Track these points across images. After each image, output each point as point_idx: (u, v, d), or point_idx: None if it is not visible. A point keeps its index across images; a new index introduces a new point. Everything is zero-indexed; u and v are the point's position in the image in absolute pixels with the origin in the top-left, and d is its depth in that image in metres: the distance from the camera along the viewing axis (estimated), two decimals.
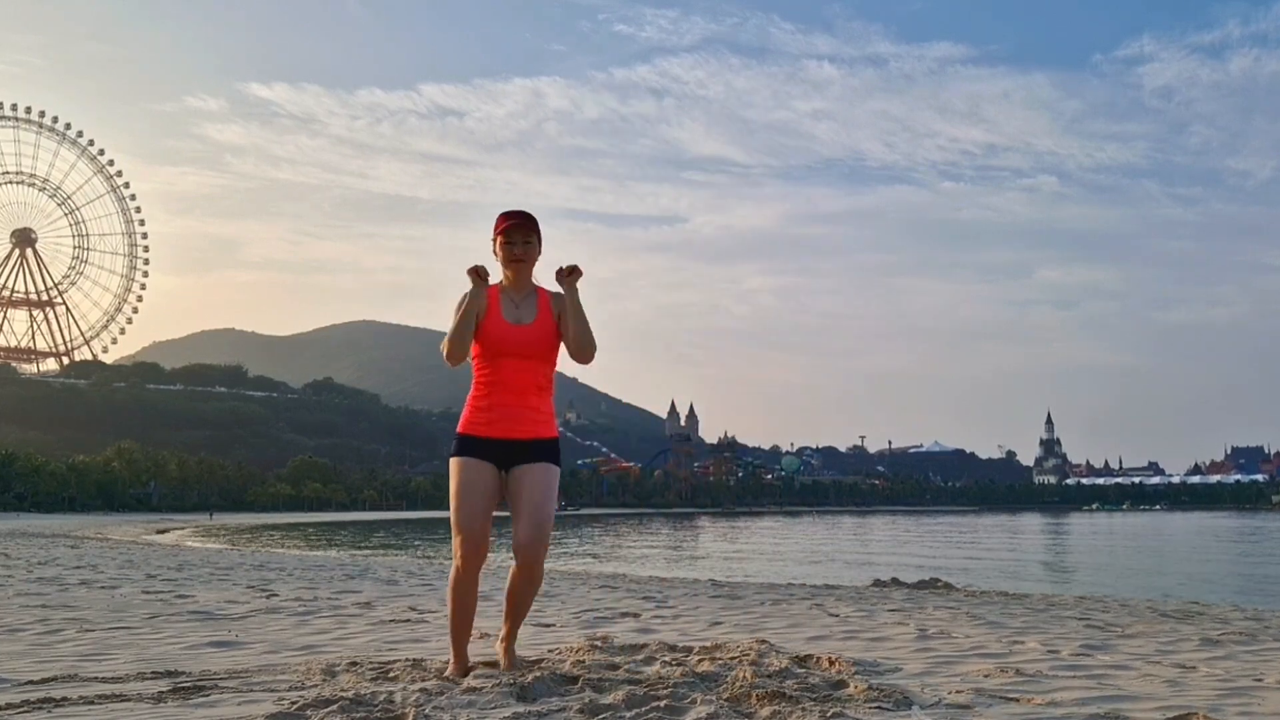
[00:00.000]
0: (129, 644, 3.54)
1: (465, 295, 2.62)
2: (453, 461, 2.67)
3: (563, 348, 2.69)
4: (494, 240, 2.67)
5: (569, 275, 2.65)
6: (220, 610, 4.84)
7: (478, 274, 2.60)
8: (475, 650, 3.33)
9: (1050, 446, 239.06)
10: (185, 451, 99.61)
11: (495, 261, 2.69)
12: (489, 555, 2.70)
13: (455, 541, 2.61)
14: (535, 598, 2.79)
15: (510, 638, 2.78)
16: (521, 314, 2.65)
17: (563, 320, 2.66)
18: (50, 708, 2.32)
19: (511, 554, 2.68)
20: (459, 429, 2.68)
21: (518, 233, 2.63)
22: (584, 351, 2.64)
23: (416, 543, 26.50)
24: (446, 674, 2.65)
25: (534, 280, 2.71)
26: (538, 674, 2.54)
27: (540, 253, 2.69)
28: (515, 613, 2.73)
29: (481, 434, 2.63)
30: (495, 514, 2.68)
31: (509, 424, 2.62)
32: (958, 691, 2.49)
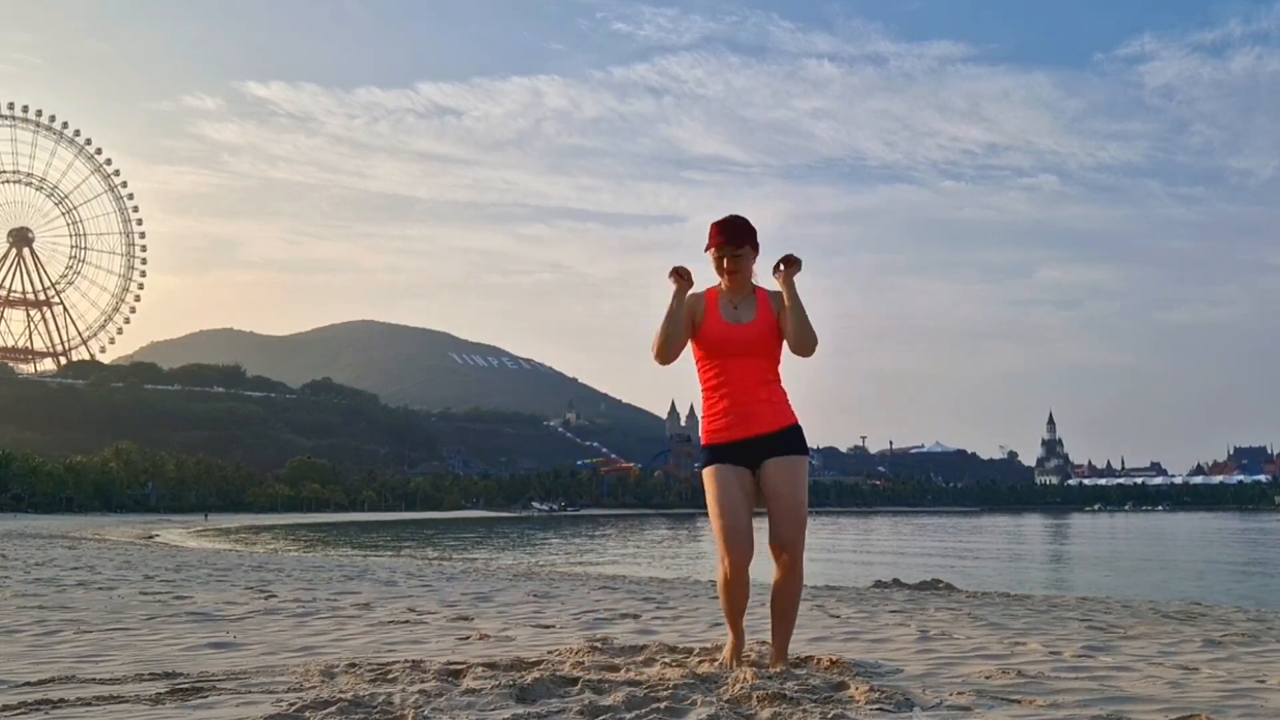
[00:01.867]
0: (127, 645, 3.53)
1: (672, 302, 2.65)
2: (706, 471, 2.70)
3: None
4: (707, 250, 2.69)
5: (787, 268, 2.67)
6: (218, 611, 4.83)
7: (679, 275, 2.63)
8: (476, 650, 3.31)
9: (1052, 447, 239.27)
10: (183, 452, 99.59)
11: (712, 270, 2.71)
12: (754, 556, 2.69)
13: (721, 548, 2.63)
14: (799, 600, 2.73)
15: (782, 651, 2.74)
16: (740, 314, 2.68)
17: (782, 316, 2.68)
18: (48, 709, 2.31)
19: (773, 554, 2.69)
20: (703, 442, 2.73)
21: (728, 247, 2.66)
22: (804, 345, 2.67)
23: (415, 543, 26.47)
24: (723, 657, 2.72)
25: (753, 280, 2.73)
26: (537, 675, 2.53)
27: (756, 255, 2.71)
28: (783, 618, 2.71)
29: (724, 440, 2.68)
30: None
31: (747, 423, 2.66)
32: (959, 693, 2.48)
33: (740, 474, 2.65)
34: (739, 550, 2.62)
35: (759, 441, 2.65)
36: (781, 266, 2.69)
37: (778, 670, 2.67)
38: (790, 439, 2.67)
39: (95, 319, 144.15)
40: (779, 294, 2.71)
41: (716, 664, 2.84)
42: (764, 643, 3.48)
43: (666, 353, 2.64)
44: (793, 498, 2.62)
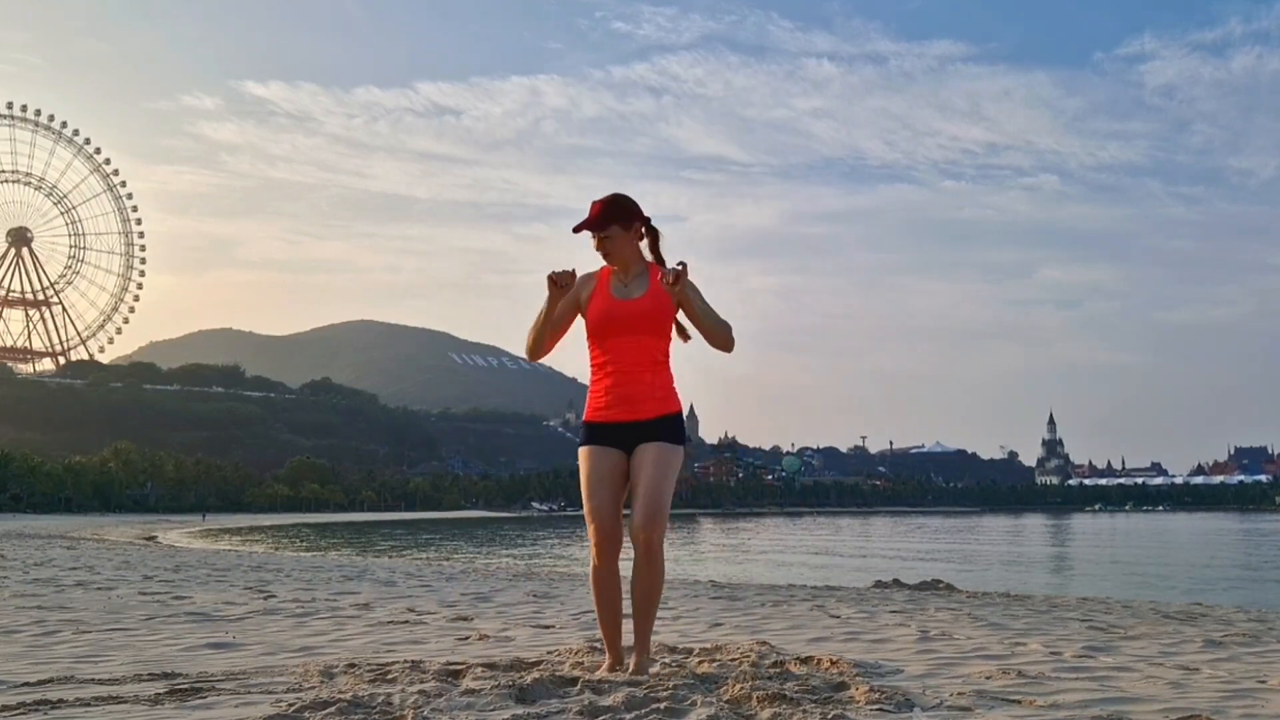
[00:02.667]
0: (126, 645, 3.52)
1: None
2: (581, 451, 2.62)
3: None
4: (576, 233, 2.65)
5: (674, 284, 2.49)
6: (218, 611, 4.82)
7: (553, 282, 2.54)
8: (475, 651, 3.31)
9: (1052, 447, 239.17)
10: (182, 452, 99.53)
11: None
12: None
13: (589, 532, 2.57)
14: (659, 592, 2.60)
15: (643, 646, 2.61)
16: (630, 289, 2.60)
17: (686, 310, 2.60)
18: (47, 710, 2.30)
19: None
20: (584, 417, 2.65)
21: (595, 228, 2.59)
22: (717, 341, 2.59)
23: (414, 544, 26.47)
24: (601, 670, 2.61)
25: (645, 257, 2.64)
26: (536, 676, 2.52)
27: (635, 229, 2.61)
28: (640, 612, 2.60)
29: (603, 419, 2.59)
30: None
31: (629, 405, 2.57)
32: (959, 693, 2.48)
33: (612, 457, 2.56)
34: (604, 534, 2.54)
35: (637, 426, 2.55)
36: (670, 280, 2.49)
37: (633, 670, 2.54)
38: (668, 427, 2.57)
39: (94, 319, 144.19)
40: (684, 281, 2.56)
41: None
42: (764, 642, 3.48)
43: (534, 351, 2.61)
44: (654, 485, 2.51)
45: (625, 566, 2.62)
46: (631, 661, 2.61)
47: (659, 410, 2.59)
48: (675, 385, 2.66)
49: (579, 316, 2.65)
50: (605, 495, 2.57)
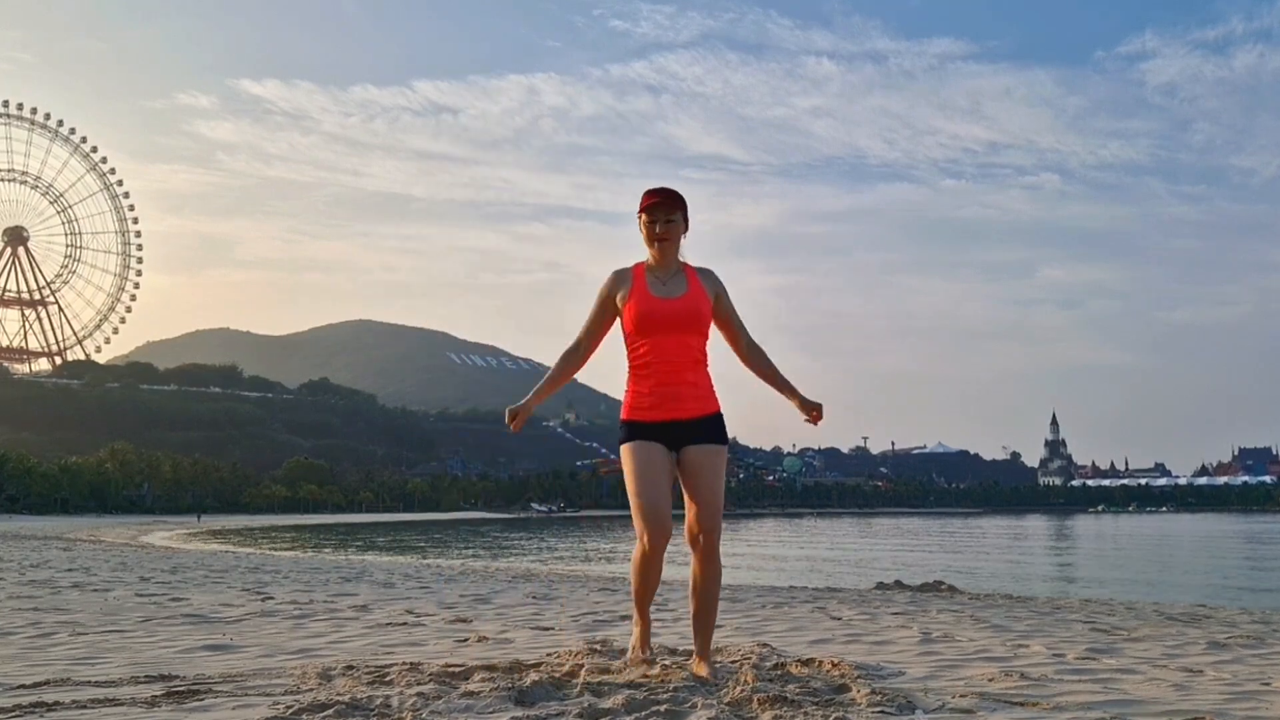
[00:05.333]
0: (122, 647, 3.50)
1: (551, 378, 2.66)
2: (624, 448, 2.62)
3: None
4: (639, 218, 2.63)
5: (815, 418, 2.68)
6: (215, 613, 4.80)
7: (518, 415, 2.62)
8: (474, 653, 3.29)
9: (1055, 447, 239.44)
10: (179, 453, 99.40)
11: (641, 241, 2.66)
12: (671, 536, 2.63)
13: (639, 524, 2.56)
14: (718, 594, 2.65)
15: (704, 652, 2.63)
16: (670, 289, 2.60)
17: (723, 314, 2.67)
18: (43, 712, 2.28)
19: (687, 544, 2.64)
20: (623, 415, 2.64)
21: (660, 210, 2.59)
22: (754, 366, 2.73)
23: (411, 544, 26.42)
24: (634, 640, 2.68)
25: (681, 258, 2.66)
26: (536, 678, 2.51)
27: (686, 230, 2.64)
28: (703, 612, 2.61)
29: (646, 418, 2.59)
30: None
31: (671, 404, 2.58)
32: (962, 696, 2.47)
33: (658, 452, 2.57)
34: (657, 526, 2.54)
35: (682, 425, 2.58)
36: (809, 416, 2.68)
37: (700, 673, 2.57)
38: (713, 427, 2.60)
39: (91, 318, 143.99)
40: (708, 272, 2.67)
41: (627, 656, 2.80)
42: (765, 644, 3.46)
43: (576, 358, 2.67)
44: (710, 486, 2.57)
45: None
46: (697, 667, 2.62)
47: (702, 409, 2.61)
48: (713, 384, 2.69)
49: (615, 320, 2.66)
50: (659, 485, 2.57)
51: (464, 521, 66.17)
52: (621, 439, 2.64)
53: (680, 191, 2.63)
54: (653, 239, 2.60)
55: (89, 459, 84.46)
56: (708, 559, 2.58)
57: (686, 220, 2.64)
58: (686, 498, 2.62)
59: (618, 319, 2.65)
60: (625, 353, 2.66)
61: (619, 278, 2.64)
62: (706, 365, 2.66)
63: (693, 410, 2.59)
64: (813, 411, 2.64)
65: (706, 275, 2.67)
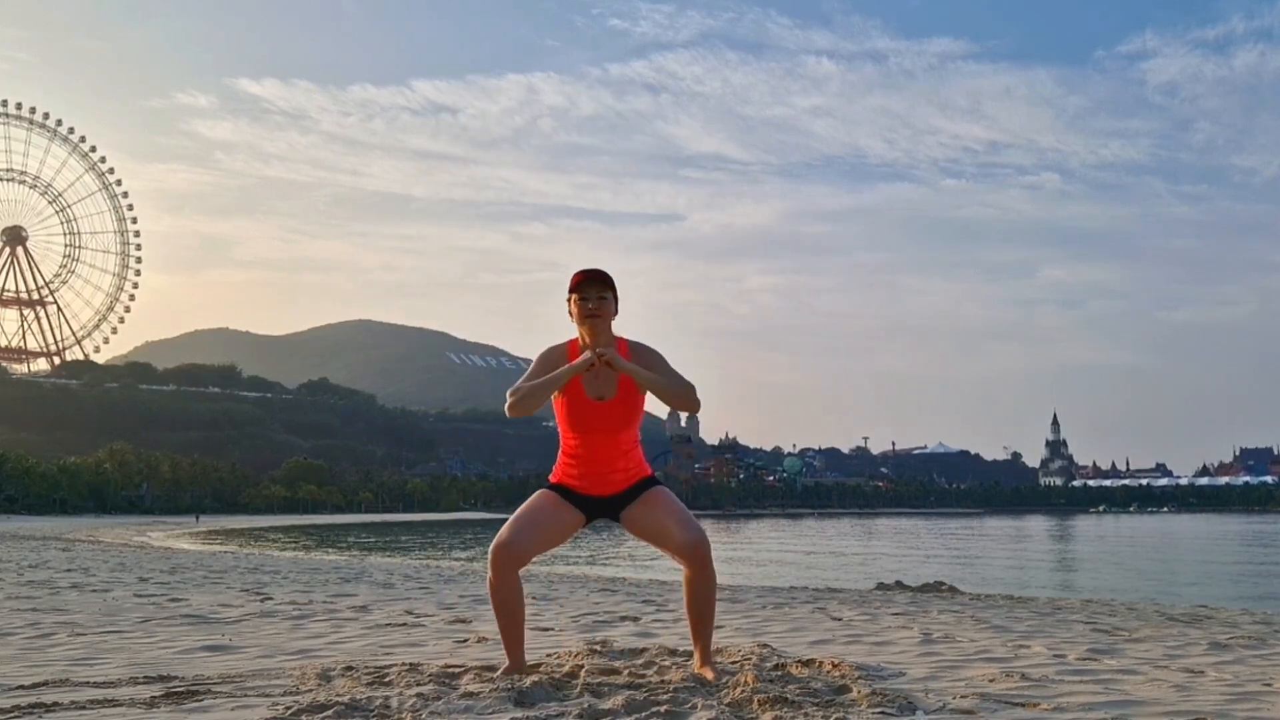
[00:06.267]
0: (121, 648, 3.49)
1: (563, 369, 2.57)
2: (539, 492, 2.68)
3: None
4: (569, 299, 2.64)
5: (609, 365, 2.54)
6: (214, 614, 4.79)
7: (600, 358, 2.53)
8: (475, 653, 3.28)
9: (1056, 448, 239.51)
10: (178, 453, 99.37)
11: (571, 321, 2.65)
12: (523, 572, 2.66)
13: (496, 544, 2.55)
14: (715, 599, 2.68)
15: (705, 655, 2.69)
16: (604, 389, 2.61)
17: (645, 386, 2.61)
18: (41, 713, 2.28)
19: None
20: (551, 479, 2.70)
21: (591, 288, 2.60)
22: (681, 408, 2.67)
23: (412, 545, 26.41)
24: (501, 672, 2.64)
25: (612, 334, 2.66)
26: (536, 678, 2.50)
27: (616, 310, 2.65)
28: (701, 624, 2.67)
29: (574, 489, 2.66)
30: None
31: (602, 485, 2.66)
32: (962, 696, 2.46)
33: (568, 512, 2.63)
34: (510, 553, 2.54)
35: (611, 499, 2.66)
36: (605, 360, 2.54)
37: (705, 675, 2.59)
38: (644, 484, 2.68)
39: (89, 318, 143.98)
40: (640, 345, 2.66)
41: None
42: (765, 645, 3.46)
43: (520, 413, 2.59)
44: (671, 510, 2.62)
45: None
46: (701, 671, 2.64)
47: (631, 482, 2.68)
48: (642, 455, 2.74)
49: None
50: (540, 523, 2.60)
51: (464, 522, 66.18)
52: (543, 485, 2.70)
53: (609, 272, 2.64)
54: (584, 316, 2.61)
55: (88, 459, 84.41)
56: (700, 570, 2.62)
57: (617, 299, 2.64)
58: (665, 534, 2.62)
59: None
60: (558, 427, 2.67)
61: (552, 355, 2.64)
62: (638, 445, 2.72)
63: (622, 486, 2.66)
64: (600, 354, 2.53)
65: (637, 350, 2.65)
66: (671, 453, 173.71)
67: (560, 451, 2.70)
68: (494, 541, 2.57)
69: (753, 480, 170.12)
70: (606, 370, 2.60)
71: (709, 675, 2.59)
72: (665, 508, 2.63)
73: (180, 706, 2.34)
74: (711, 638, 2.73)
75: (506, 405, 2.58)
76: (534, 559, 2.63)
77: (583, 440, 2.63)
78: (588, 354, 2.56)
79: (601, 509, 2.68)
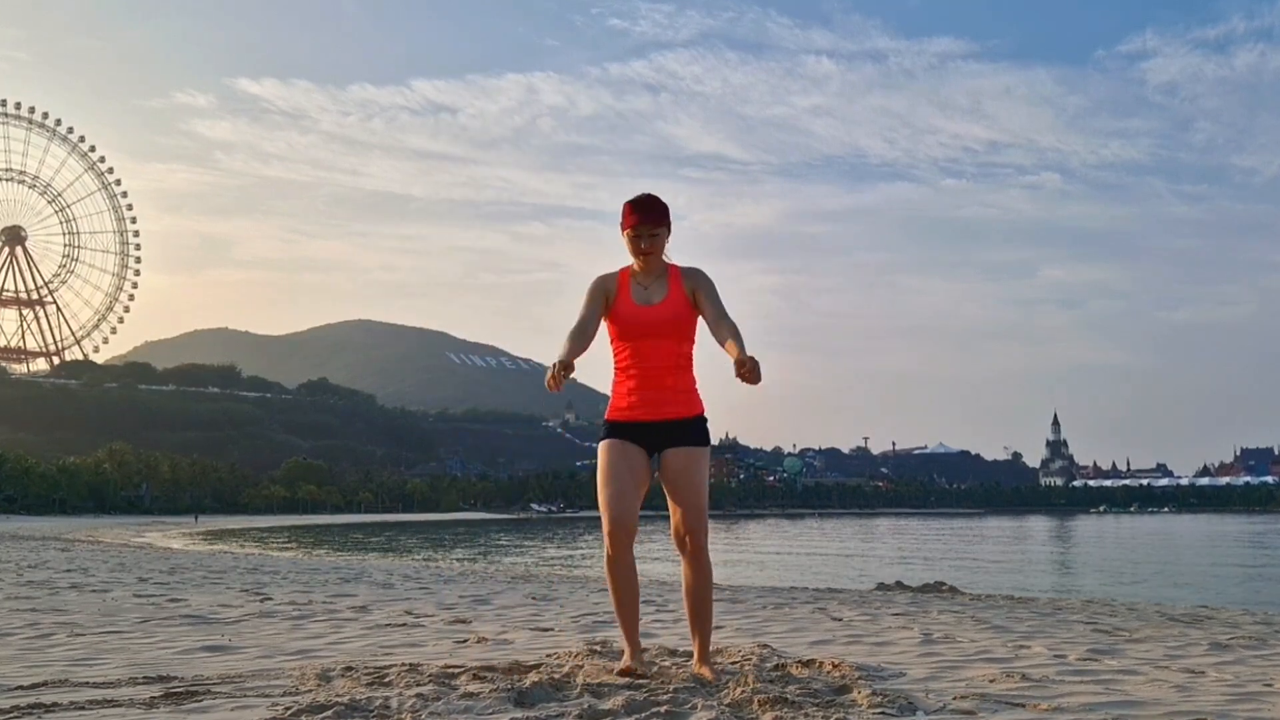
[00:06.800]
0: (120, 649, 3.49)
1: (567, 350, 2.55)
2: (601, 445, 2.65)
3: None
4: (623, 231, 2.64)
5: (752, 377, 2.44)
6: (214, 614, 4.79)
7: (562, 370, 2.47)
8: (475, 654, 3.28)
9: (1057, 448, 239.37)
10: (178, 453, 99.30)
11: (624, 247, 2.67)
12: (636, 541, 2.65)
13: (604, 524, 2.58)
14: (711, 594, 2.67)
15: (703, 653, 2.67)
16: (651, 294, 2.63)
17: (700, 304, 2.63)
18: (40, 713, 2.27)
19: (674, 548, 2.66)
20: (606, 416, 2.68)
21: (644, 226, 2.61)
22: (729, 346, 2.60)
23: (411, 545, 26.41)
24: (620, 667, 2.62)
25: (666, 259, 2.68)
26: (535, 679, 2.50)
27: (669, 238, 2.66)
28: (697, 615, 2.65)
29: (626, 418, 2.63)
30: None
31: (653, 406, 2.62)
32: (963, 697, 2.46)
33: (634, 452, 2.60)
34: (621, 533, 2.56)
35: (663, 426, 2.61)
36: (739, 372, 2.47)
37: (704, 675, 2.57)
38: (694, 429, 2.63)
39: (89, 318, 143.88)
40: (693, 270, 2.66)
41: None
42: (765, 645, 3.46)
43: (576, 353, 2.56)
44: (693, 487, 2.58)
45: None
46: (699, 670, 2.63)
47: (682, 412, 2.64)
48: (698, 388, 2.70)
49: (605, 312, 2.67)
50: (623, 484, 2.58)
51: (463, 522, 66.16)
52: (600, 436, 2.68)
53: (660, 198, 2.63)
54: (637, 253, 2.63)
55: (87, 459, 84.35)
56: (695, 560, 2.61)
57: (669, 229, 2.66)
58: (670, 501, 2.63)
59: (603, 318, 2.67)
60: (611, 353, 2.69)
61: (604, 282, 2.67)
62: (690, 369, 2.68)
63: (673, 413, 2.62)
64: (743, 368, 2.49)
65: (689, 274, 2.68)
66: None
67: (614, 376, 2.67)
68: (605, 524, 2.57)
69: (753, 480, 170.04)
70: (656, 278, 2.62)
71: (707, 675, 2.58)
72: (689, 479, 2.59)
73: (180, 707, 2.34)
74: (710, 637, 2.71)
75: (564, 349, 2.54)
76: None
77: (633, 349, 2.61)
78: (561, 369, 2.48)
79: (656, 438, 2.61)
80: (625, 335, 2.62)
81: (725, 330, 2.57)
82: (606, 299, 2.64)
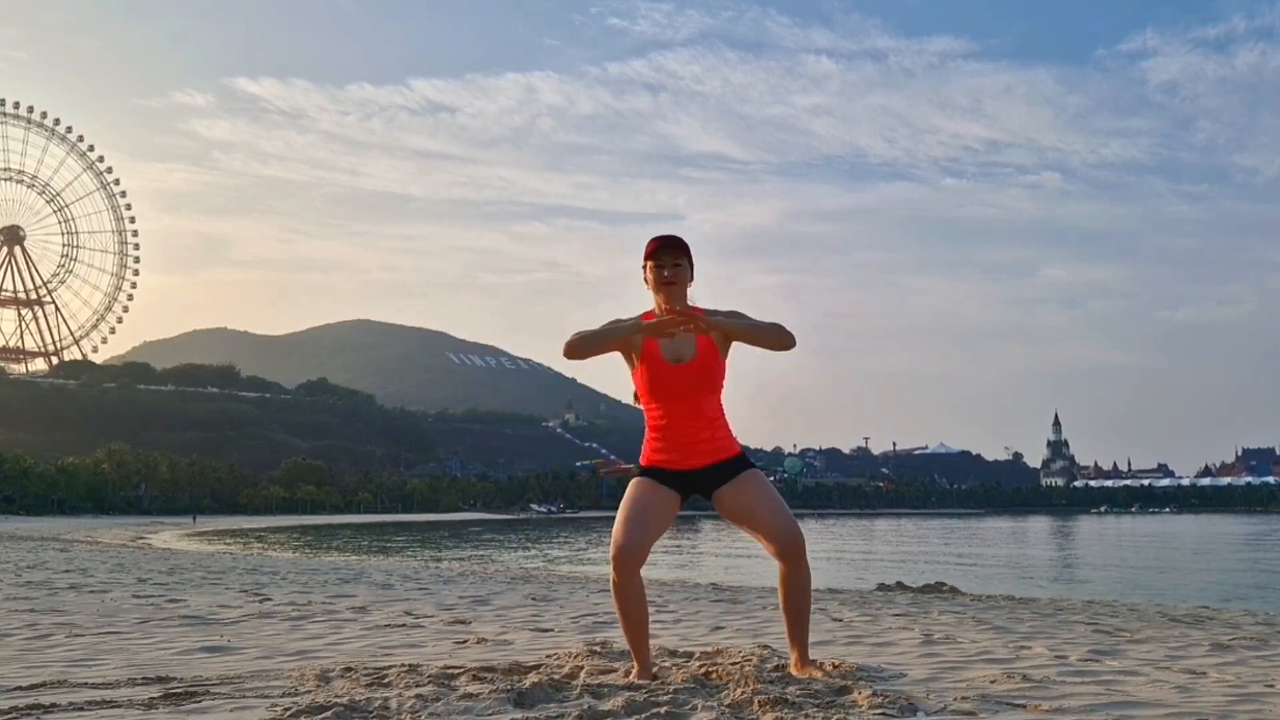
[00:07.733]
0: (119, 649, 3.48)
1: (620, 323, 2.54)
2: (633, 480, 2.64)
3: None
4: (644, 266, 2.62)
5: (705, 328, 2.46)
6: (213, 615, 4.78)
7: (657, 329, 2.45)
8: (475, 655, 3.27)
9: (1058, 448, 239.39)
10: (176, 453, 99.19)
11: (647, 289, 2.64)
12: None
13: (612, 548, 2.55)
14: (810, 599, 2.66)
15: (803, 658, 2.67)
16: (682, 351, 2.57)
17: (727, 334, 2.57)
18: (39, 714, 2.27)
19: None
20: (641, 462, 2.67)
21: (666, 255, 2.57)
22: (777, 348, 2.57)
23: (411, 545, 26.40)
24: (632, 677, 2.61)
25: (689, 302, 2.62)
26: (535, 680, 2.50)
27: (692, 277, 2.63)
28: (798, 623, 2.65)
29: (663, 466, 2.61)
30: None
31: (690, 458, 2.60)
32: (963, 697, 2.45)
33: (665, 491, 2.59)
34: (628, 551, 2.52)
35: (701, 473, 2.61)
36: (700, 327, 2.47)
37: (803, 674, 2.62)
38: (737, 464, 2.63)
39: (87, 318, 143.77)
40: (716, 311, 2.57)
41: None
42: (766, 646, 3.45)
43: (575, 354, 2.52)
44: (765, 501, 2.57)
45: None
46: (804, 671, 2.65)
47: (722, 456, 2.63)
48: (730, 429, 2.67)
49: (620, 354, 2.63)
50: (645, 514, 2.56)
51: (463, 523, 66.13)
52: (635, 475, 2.67)
53: (684, 239, 2.62)
54: (660, 284, 2.59)
55: (86, 459, 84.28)
56: (795, 565, 2.60)
57: (692, 265, 2.62)
58: (755, 529, 2.59)
59: (626, 360, 2.64)
60: (641, 404, 2.66)
61: (627, 325, 2.58)
62: (723, 416, 2.66)
63: (710, 458, 2.61)
64: (681, 312, 2.47)
65: (712, 316, 2.59)
66: None
67: (646, 430, 2.66)
68: (613, 546, 2.54)
69: None
70: (684, 333, 2.54)
71: (817, 674, 2.62)
72: (759, 493, 2.58)
73: (179, 708, 2.33)
74: (808, 637, 2.71)
75: (565, 343, 2.51)
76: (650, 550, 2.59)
77: (664, 408, 2.58)
78: (662, 320, 2.44)
79: (693, 484, 2.61)
80: (655, 395, 2.58)
81: (745, 320, 2.58)
82: (631, 348, 2.58)
